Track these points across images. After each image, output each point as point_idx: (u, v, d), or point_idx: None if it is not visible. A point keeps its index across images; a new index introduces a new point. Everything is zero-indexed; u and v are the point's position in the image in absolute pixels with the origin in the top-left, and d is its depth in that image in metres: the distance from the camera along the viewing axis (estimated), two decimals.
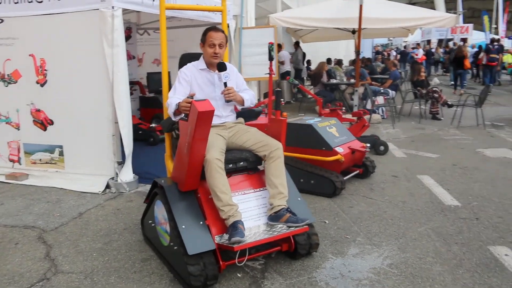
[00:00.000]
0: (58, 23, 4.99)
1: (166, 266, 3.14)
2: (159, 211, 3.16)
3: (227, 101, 3.19)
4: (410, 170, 5.58)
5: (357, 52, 9.11)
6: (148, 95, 8.18)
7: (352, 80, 10.64)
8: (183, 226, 2.83)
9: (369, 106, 9.29)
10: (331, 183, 4.54)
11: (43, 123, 5.31)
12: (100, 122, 5.04)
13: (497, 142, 7.07)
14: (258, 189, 3.20)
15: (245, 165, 3.17)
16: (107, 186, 4.99)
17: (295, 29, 12.74)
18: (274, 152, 3.11)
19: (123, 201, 4.64)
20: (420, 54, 21.32)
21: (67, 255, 3.38)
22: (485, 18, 31.60)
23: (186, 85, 3.25)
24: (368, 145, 4.99)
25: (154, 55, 9.10)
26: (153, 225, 3.34)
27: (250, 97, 3.37)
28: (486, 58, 17.06)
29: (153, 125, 7.45)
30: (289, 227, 2.96)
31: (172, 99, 3.09)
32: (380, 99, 9.70)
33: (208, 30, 3.30)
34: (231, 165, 3.09)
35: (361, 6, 8.17)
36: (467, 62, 16.02)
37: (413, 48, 33.27)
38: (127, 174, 5.05)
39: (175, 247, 2.91)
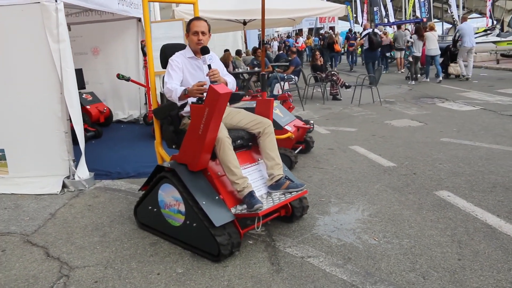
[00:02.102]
0: None
1: (179, 245, 3.32)
2: (167, 194, 3.33)
3: (212, 82, 3.40)
4: (340, 142, 6.31)
5: (263, 41, 9.69)
6: None
7: (257, 69, 11.24)
8: (204, 202, 3.06)
9: (275, 91, 9.97)
10: (287, 158, 5.01)
11: None
12: (47, 121, 4.86)
13: (397, 115, 8.22)
14: (254, 163, 3.54)
15: (241, 142, 3.48)
16: (63, 186, 4.85)
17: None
18: (268, 129, 3.48)
19: (89, 197, 4.59)
20: (300, 42, 22.91)
21: (70, 252, 3.36)
22: (348, 8, 34.75)
23: (179, 72, 3.45)
24: (312, 121, 5.56)
25: (75, 50, 8.69)
26: (155, 210, 3.48)
27: (232, 81, 3.67)
28: (348, 44, 20.19)
29: None
30: (291, 192, 3.36)
31: (172, 85, 3.28)
32: (285, 85, 10.44)
33: (191, 20, 3.53)
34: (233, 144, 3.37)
35: None
36: (337, 47, 18.92)
37: (288, 37, 35.19)
38: (83, 171, 4.96)
39: (194, 224, 3.13)
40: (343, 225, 3.58)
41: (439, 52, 12.74)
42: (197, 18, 3.56)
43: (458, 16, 28.69)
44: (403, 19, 31.99)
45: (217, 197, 3.16)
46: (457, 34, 13.14)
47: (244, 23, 12.94)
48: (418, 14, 24.91)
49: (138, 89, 8.70)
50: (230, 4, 10.53)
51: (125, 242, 3.48)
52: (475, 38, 17.27)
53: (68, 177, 4.90)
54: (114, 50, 8.57)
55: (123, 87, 8.62)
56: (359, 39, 18.47)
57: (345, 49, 21.64)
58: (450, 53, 13.57)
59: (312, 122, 5.63)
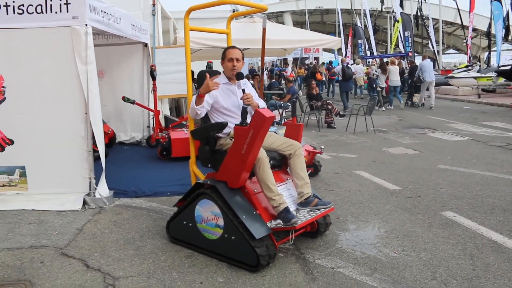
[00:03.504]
0: (21, 38, 4.90)
1: (215, 257, 3.54)
2: (205, 209, 3.56)
3: (246, 105, 3.67)
4: (344, 167, 6.65)
5: (262, 69, 10.15)
6: None
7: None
8: (244, 217, 3.32)
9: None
10: None
11: (0, 144, 5.09)
12: (70, 139, 5.06)
13: (392, 143, 8.65)
14: (283, 183, 3.82)
15: (274, 163, 3.76)
16: (84, 203, 5.01)
17: None
18: (298, 151, 3.78)
19: (112, 214, 4.77)
20: (289, 71, 23.56)
21: (109, 264, 3.53)
22: None
23: (209, 97, 3.73)
24: (323, 147, 5.89)
25: None
26: (190, 224, 3.71)
27: (263, 105, 3.98)
28: (329, 74, 21.88)
29: None
30: (319, 209, 3.65)
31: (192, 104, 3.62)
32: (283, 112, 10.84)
33: (226, 49, 3.87)
34: None
35: (264, 29, 9.20)
36: (319, 76, 20.63)
37: (273, 66, 36.06)
38: (104, 189, 5.14)
39: (233, 237, 3.37)
40: (363, 240, 3.87)
41: (400, 84, 15.04)
42: (232, 47, 3.89)
43: (438, 51, 30.09)
44: (386, 52, 33.27)
45: (254, 212, 3.42)
46: (419, 70, 15.19)
47: None
48: (401, 47, 26.00)
49: (141, 112, 8.94)
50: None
51: (160, 255, 3.68)
52: (457, 73, 18.25)
53: (88, 194, 5.07)
54: (119, 73, 8.83)
55: (126, 109, 8.85)
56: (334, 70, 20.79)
57: (327, 78, 22.57)
58: (414, 85, 15.68)
59: (322, 147, 5.96)
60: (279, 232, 3.61)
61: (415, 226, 4.17)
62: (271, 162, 3.71)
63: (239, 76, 3.73)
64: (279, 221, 3.51)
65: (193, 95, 11.08)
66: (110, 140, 8.40)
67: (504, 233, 3.94)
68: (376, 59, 21.96)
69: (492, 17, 22.67)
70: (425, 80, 14.82)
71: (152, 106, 8.46)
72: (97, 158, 5.24)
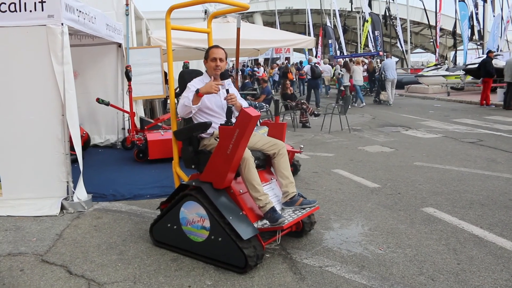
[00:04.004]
0: None
1: (201, 260, 3.49)
2: (190, 211, 3.51)
3: (230, 106, 3.65)
4: (322, 166, 6.70)
5: (237, 70, 10.09)
6: None
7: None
8: (230, 217, 3.29)
9: None
10: None
11: None
12: (47, 142, 4.90)
13: (368, 141, 8.77)
14: (267, 183, 3.81)
15: (258, 163, 3.74)
16: (62, 207, 4.86)
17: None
18: (282, 150, 3.77)
19: (91, 218, 4.65)
20: (261, 72, 23.60)
21: (92, 270, 3.44)
22: None
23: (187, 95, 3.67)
24: (302, 146, 5.91)
25: None
26: (175, 227, 3.65)
27: (245, 104, 3.94)
28: (298, 74, 22.60)
29: None
30: (304, 208, 3.65)
31: (182, 101, 3.54)
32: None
33: (210, 48, 3.82)
34: None
35: (238, 29, 9.17)
36: (291, 75, 21.13)
37: (243, 66, 36.09)
38: (82, 193, 5.01)
39: (220, 238, 3.34)
40: (348, 238, 3.89)
41: (362, 83, 16.08)
42: (216, 46, 3.84)
43: (406, 50, 30.75)
44: (356, 52, 33.77)
45: (241, 213, 3.39)
46: (382, 68, 16.20)
47: None
48: (370, 47, 26.44)
49: (116, 114, 8.77)
50: (195, 33, 10.85)
51: (145, 259, 3.60)
52: (427, 72, 18.74)
53: (66, 199, 4.93)
54: (93, 74, 8.63)
55: (100, 111, 8.66)
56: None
57: (297, 77, 22.84)
58: (381, 83, 16.51)
59: (302, 146, 5.98)
60: (264, 233, 3.59)
61: (397, 223, 4.23)
62: (256, 162, 3.69)
63: (224, 76, 3.69)
64: (265, 221, 3.49)
65: (166, 97, 10.90)
66: (85, 143, 8.18)
67: (484, 227, 4.04)
68: (342, 59, 22.43)
69: (458, 17, 23.33)
70: (387, 78, 15.68)
71: (127, 108, 8.31)
72: (73, 161, 5.10)
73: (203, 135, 3.74)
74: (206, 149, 3.69)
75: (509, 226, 4.06)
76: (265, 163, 3.87)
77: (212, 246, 3.40)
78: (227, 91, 3.67)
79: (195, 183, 3.51)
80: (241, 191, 3.55)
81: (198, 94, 3.45)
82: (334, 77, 19.24)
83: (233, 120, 3.50)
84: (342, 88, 15.97)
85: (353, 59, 17.91)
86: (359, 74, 15.86)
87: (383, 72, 15.89)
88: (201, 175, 3.55)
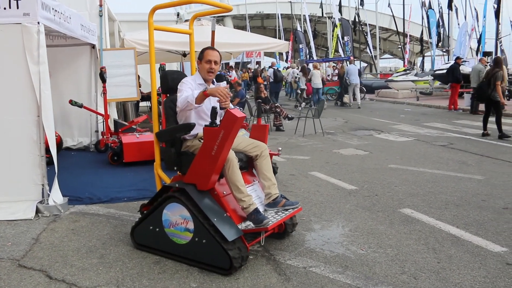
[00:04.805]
0: None
1: (185, 262, 3.46)
2: (173, 213, 3.48)
3: (215, 107, 3.61)
4: (298, 169, 6.75)
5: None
6: None
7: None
8: (215, 219, 3.28)
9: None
10: None
11: None
12: (21, 144, 4.79)
13: (342, 145, 8.89)
14: (250, 184, 3.81)
15: (241, 164, 3.74)
16: (37, 211, 4.73)
17: None
18: (264, 152, 3.79)
19: (68, 222, 4.54)
20: (233, 76, 23.60)
21: (73, 274, 3.35)
22: None
23: (192, 90, 3.63)
24: (280, 148, 5.95)
25: None
26: (157, 229, 3.60)
27: (232, 107, 3.94)
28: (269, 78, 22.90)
29: None
30: (287, 209, 3.67)
31: (186, 95, 3.47)
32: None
33: (205, 49, 3.79)
34: None
35: (213, 32, 9.16)
36: (260, 79, 21.50)
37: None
38: (57, 196, 4.89)
39: (204, 240, 3.32)
40: (330, 239, 3.94)
41: (321, 86, 17.02)
42: (211, 48, 3.80)
43: (375, 56, 31.40)
44: (325, 57, 34.23)
45: (225, 215, 3.38)
46: (346, 73, 17.41)
47: (184, 55, 13.21)
48: (340, 52, 26.86)
49: (89, 116, 8.61)
50: (171, 35, 10.76)
51: (127, 263, 3.54)
52: (396, 77, 19.25)
53: (41, 202, 4.80)
54: (65, 75, 8.44)
55: (73, 113, 8.49)
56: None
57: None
58: (344, 87, 17.75)
59: (280, 149, 6.02)
60: (247, 234, 3.59)
61: (377, 224, 4.30)
62: (238, 163, 3.70)
63: (220, 79, 3.68)
64: (249, 222, 3.50)
65: (140, 100, 10.67)
66: (57, 145, 7.99)
67: (460, 226, 4.17)
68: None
69: (426, 25, 24.00)
70: (351, 82, 16.94)
71: (100, 110, 8.16)
72: (47, 164, 4.97)
73: (186, 136, 3.72)
74: (189, 151, 3.67)
75: (483, 225, 4.19)
76: (248, 164, 3.87)
77: (196, 248, 3.38)
78: None
79: (178, 184, 3.48)
80: (224, 192, 3.54)
81: (204, 93, 3.37)
82: (292, 80, 20.54)
83: (218, 121, 3.49)
84: (298, 91, 17.39)
85: (312, 63, 19.42)
86: (317, 78, 16.78)
87: (347, 78, 17.06)
88: (185, 177, 3.52)
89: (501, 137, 8.99)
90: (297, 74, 17.63)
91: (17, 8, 4.49)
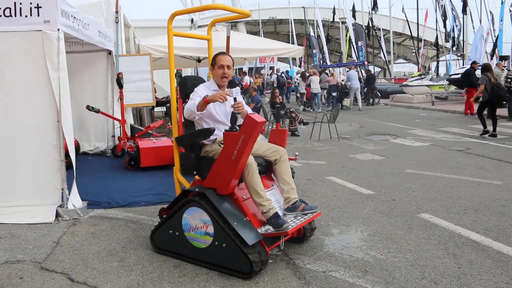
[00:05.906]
0: None
1: (204, 266, 3.48)
2: (193, 217, 3.50)
3: (237, 113, 3.66)
4: (315, 174, 6.74)
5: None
6: None
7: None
8: (235, 223, 3.29)
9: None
10: None
11: None
12: (42, 149, 4.86)
13: (358, 149, 8.86)
14: (269, 189, 3.82)
15: (260, 169, 3.76)
16: (57, 215, 4.79)
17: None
18: (283, 156, 3.80)
19: (88, 226, 4.59)
20: (245, 81, 23.69)
21: (94, 277, 3.39)
22: None
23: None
24: (297, 153, 5.94)
25: None
26: (177, 233, 3.63)
27: (251, 112, 3.96)
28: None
29: None
30: (306, 214, 3.68)
31: (190, 104, 3.52)
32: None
33: (217, 55, 3.83)
34: None
35: (228, 38, 9.21)
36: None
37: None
38: (77, 200, 4.96)
39: (224, 244, 3.33)
40: (349, 243, 3.93)
41: (320, 91, 17.97)
42: (223, 53, 3.84)
43: (389, 61, 31.24)
44: (339, 61, 34.13)
45: (245, 219, 3.40)
46: (347, 78, 18.54)
47: (199, 60, 13.28)
48: (353, 57, 26.78)
49: (106, 121, 8.70)
50: (186, 41, 10.87)
51: (147, 266, 3.57)
52: (412, 81, 19.20)
53: (61, 206, 4.86)
54: (82, 81, 8.55)
55: (90, 119, 8.60)
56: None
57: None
58: (344, 91, 18.60)
59: (296, 154, 6.00)
60: (266, 238, 3.60)
61: (395, 229, 4.28)
62: (258, 168, 3.71)
63: (233, 84, 3.71)
64: (268, 227, 3.51)
65: (156, 105, 10.80)
66: (75, 150, 8.09)
67: (480, 232, 4.12)
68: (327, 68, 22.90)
69: (439, 29, 23.79)
70: (352, 87, 18.06)
71: (117, 115, 8.25)
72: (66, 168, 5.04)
73: (205, 141, 3.75)
74: (209, 155, 3.70)
75: (504, 231, 4.15)
76: (267, 169, 3.88)
77: (216, 252, 3.40)
78: (235, 99, 3.68)
79: (198, 189, 3.51)
80: (244, 197, 3.56)
81: (204, 100, 3.43)
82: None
83: (238, 126, 3.51)
84: (298, 95, 18.95)
85: (311, 70, 20.33)
86: (316, 83, 17.61)
87: (348, 82, 18.16)
88: (205, 181, 3.55)
89: (486, 133, 9.91)
90: (297, 79, 18.59)
91: (38, 15, 4.58)
